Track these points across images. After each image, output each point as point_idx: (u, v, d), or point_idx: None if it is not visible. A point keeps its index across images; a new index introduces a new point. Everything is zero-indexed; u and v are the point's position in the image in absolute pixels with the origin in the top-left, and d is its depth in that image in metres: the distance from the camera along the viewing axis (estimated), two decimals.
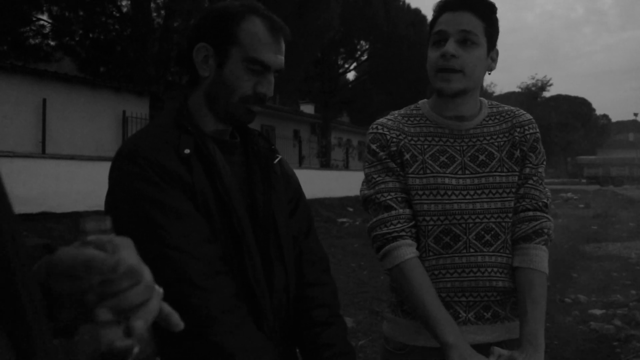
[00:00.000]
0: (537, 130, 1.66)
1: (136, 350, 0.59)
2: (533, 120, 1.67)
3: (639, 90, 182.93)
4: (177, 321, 0.68)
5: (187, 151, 1.27)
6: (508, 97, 60.96)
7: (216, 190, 1.29)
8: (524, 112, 1.68)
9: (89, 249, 0.63)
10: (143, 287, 0.62)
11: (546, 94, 69.63)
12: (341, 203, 17.71)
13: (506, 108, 1.69)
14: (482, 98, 1.68)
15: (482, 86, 1.66)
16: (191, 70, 1.37)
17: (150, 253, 1.21)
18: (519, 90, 69.16)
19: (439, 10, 1.56)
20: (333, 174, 22.09)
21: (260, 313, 1.32)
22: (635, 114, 65.95)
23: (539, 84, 67.64)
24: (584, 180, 52.40)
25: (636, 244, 10.89)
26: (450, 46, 1.49)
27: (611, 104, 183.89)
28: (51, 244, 0.75)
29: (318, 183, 17.76)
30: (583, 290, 7.01)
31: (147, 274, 0.63)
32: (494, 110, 1.67)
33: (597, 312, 5.84)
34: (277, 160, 1.47)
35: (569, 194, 27.82)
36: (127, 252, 0.64)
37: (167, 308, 0.68)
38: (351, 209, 16.89)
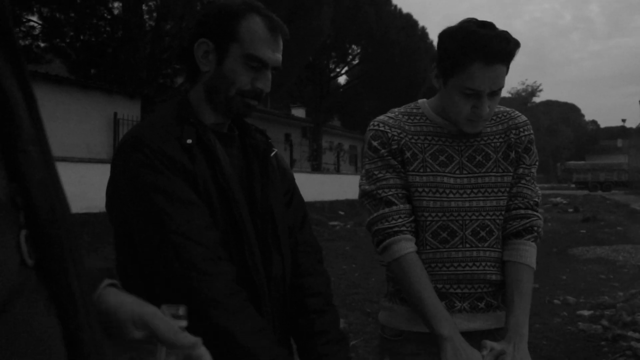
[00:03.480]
0: (532, 132, 1.72)
1: None
2: (528, 122, 1.73)
3: (626, 97, 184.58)
4: None
5: (189, 141, 1.31)
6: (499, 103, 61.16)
7: (217, 179, 1.33)
8: (520, 114, 1.74)
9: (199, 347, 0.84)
10: None
11: (536, 100, 70.12)
12: (332, 206, 17.75)
13: (502, 109, 1.73)
14: None
15: None
16: (192, 65, 1.42)
17: (153, 238, 1.25)
18: (510, 95, 69.59)
19: (472, 56, 1.46)
20: (324, 177, 22.13)
21: (258, 300, 1.35)
22: (624, 120, 66.60)
23: (529, 90, 68.10)
24: (573, 185, 52.76)
25: (624, 247, 11.00)
26: (486, 107, 1.52)
27: (600, 110, 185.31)
28: (112, 270, 0.85)
29: (309, 186, 17.78)
30: (572, 292, 7.08)
31: None
32: None
33: (585, 313, 5.91)
34: (273, 153, 1.52)
35: (558, 199, 28.00)
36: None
37: None
38: (342, 212, 16.93)
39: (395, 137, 1.63)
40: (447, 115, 1.63)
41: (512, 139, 1.67)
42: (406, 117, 1.68)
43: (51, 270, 0.56)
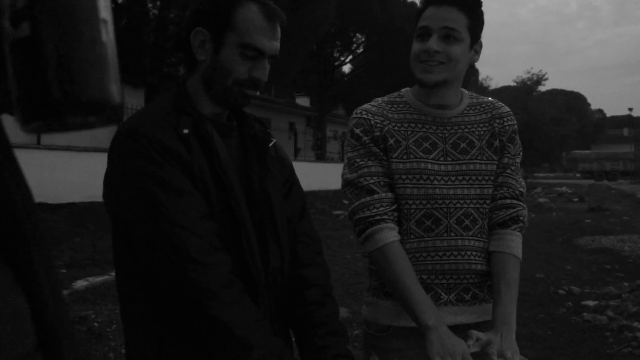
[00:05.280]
0: (515, 122, 1.73)
1: None
2: (511, 112, 1.74)
3: (633, 86, 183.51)
4: None
5: (185, 131, 1.29)
6: (503, 92, 61.01)
7: (213, 169, 1.31)
8: (503, 105, 1.75)
9: None
10: None
11: (541, 89, 69.78)
12: (336, 195, 17.74)
13: (486, 99, 1.75)
14: (463, 89, 1.73)
15: (477, 80, 1.70)
16: (189, 55, 1.39)
17: (148, 228, 1.24)
18: (515, 84, 69.27)
19: (424, 3, 1.59)
20: (328, 166, 22.11)
21: (255, 291, 1.34)
22: (630, 109, 66.18)
23: (535, 79, 67.74)
24: (578, 175, 52.61)
25: (629, 237, 10.95)
26: (433, 43, 1.54)
27: (606, 99, 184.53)
28: None
29: (313, 175, 17.78)
30: (576, 282, 7.06)
31: None
32: (474, 100, 1.72)
33: (590, 303, 5.89)
34: (272, 143, 1.50)
35: (564, 188, 27.94)
36: None
37: None
38: (346, 202, 16.89)
39: (378, 125, 1.62)
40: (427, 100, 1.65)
41: (496, 128, 1.67)
42: (389, 106, 1.67)
43: (14, 251, 0.57)
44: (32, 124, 0.46)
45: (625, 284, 6.69)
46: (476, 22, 1.58)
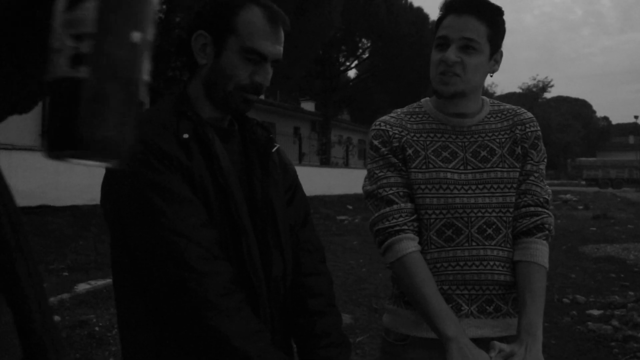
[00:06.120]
0: (538, 128, 1.69)
1: None
2: (534, 118, 1.70)
3: (639, 93, 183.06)
4: None
5: (185, 136, 1.26)
6: (509, 98, 60.96)
7: (214, 175, 1.29)
8: (525, 111, 1.71)
9: None
10: None
11: (547, 95, 69.67)
12: (341, 200, 17.73)
13: (507, 106, 1.72)
14: (484, 97, 1.70)
15: (483, 86, 1.68)
16: (190, 58, 1.37)
17: (147, 236, 1.21)
18: (520, 90, 69.18)
19: (444, 11, 1.57)
20: (333, 171, 22.10)
21: (256, 301, 1.31)
22: (636, 117, 65.96)
23: (540, 85, 67.66)
24: (583, 182, 52.41)
25: (635, 246, 10.88)
26: (451, 54, 1.51)
27: (612, 107, 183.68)
28: None
29: (318, 180, 17.75)
30: (581, 290, 7.00)
31: None
32: (496, 108, 1.70)
33: (595, 312, 5.84)
34: (274, 149, 1.47)
35: (568, 196, 27.81)
36: None
37: None
38: (350, 207, 16.89)
39: (397, 135, 1.60)
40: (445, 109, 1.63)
41: (518, 135, 1.64)
42: (408, 116, 1.66)
43: None
44: (55, 152, 0.52)
45: (631, 293, 6.64)
46: (497, 31, 1.55)
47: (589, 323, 5.45)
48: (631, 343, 4.79)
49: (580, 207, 22.26)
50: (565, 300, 6.48)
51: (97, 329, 4.67)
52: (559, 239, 11.87)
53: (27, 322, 0.58)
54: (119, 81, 0.52)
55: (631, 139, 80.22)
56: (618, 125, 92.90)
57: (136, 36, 0.52)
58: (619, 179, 49.86)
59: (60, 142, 0.51)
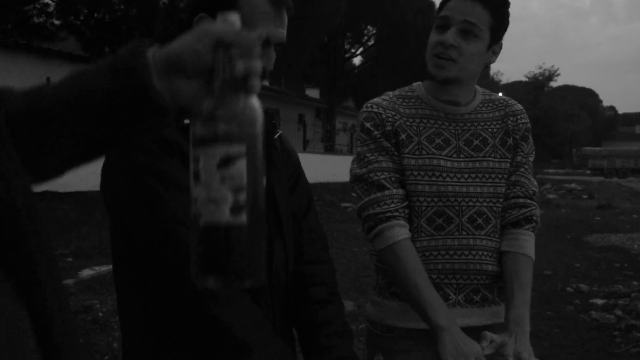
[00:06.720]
0: (528, 120, 1.70)
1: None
2: (524, 110, 1.71)
3: None
4: None
5: (186, 121, 1.24)
6: (514, 87, 60.60)
7: None
8: (516, 102, 1.72)
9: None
10: None
11: (553, 84, 69.22)
12: (345, 188, 17.70)
13: (498, 96, 1.72)
14: (476, 86, 1.68)
15: (488, 74, 1.66)
16: None
17: (147, 224, 1.19)
18: (526, 79, 68.71)
19: None
20: (337, 158, 22.08)
21: (257, 290, 1.29)
22: None
23: (546, 74, 67.17)
24: (588, 172, 52.22)
25: (639, 236, 10.85)
26: (450, 36, 1.49)
27: (618, 96, 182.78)
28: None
29: (322, 167, 17.74)
30: (585, 280, 6.99)
31: None
32: (487, 97, 1.69)
33: (599, 301, 5.83)
34: (277, 135, 1.44)
35: (573, 185, 27.70)
36: None
37: None
38: (355, 194, 16.87)
39: (390, 119, 1.57)
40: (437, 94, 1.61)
41: (510, 126, 1.64)
42: (401, 100, 1.63)
43: (16, 261, 0.54)
44: (204, 278, 0.63)
45: (635, 282, 6.63)
46: (500, 22, 1.53)
47: (592, 312, 5.45)
48: (634, 332, 4.79)
49: (585, 197, 22.18)
50: (568, 289, 6.48)
51: (100, 314, 4.69)
52: (563, 228, 11.85)
53: (47, 326, 0.55)
54: (260, 220, 0.64)
55: (637, 129, 79.83)
56: (625, 114, 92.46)
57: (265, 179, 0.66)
58: (625, 168, 49.65)
59: (209, 270, 0.62)
